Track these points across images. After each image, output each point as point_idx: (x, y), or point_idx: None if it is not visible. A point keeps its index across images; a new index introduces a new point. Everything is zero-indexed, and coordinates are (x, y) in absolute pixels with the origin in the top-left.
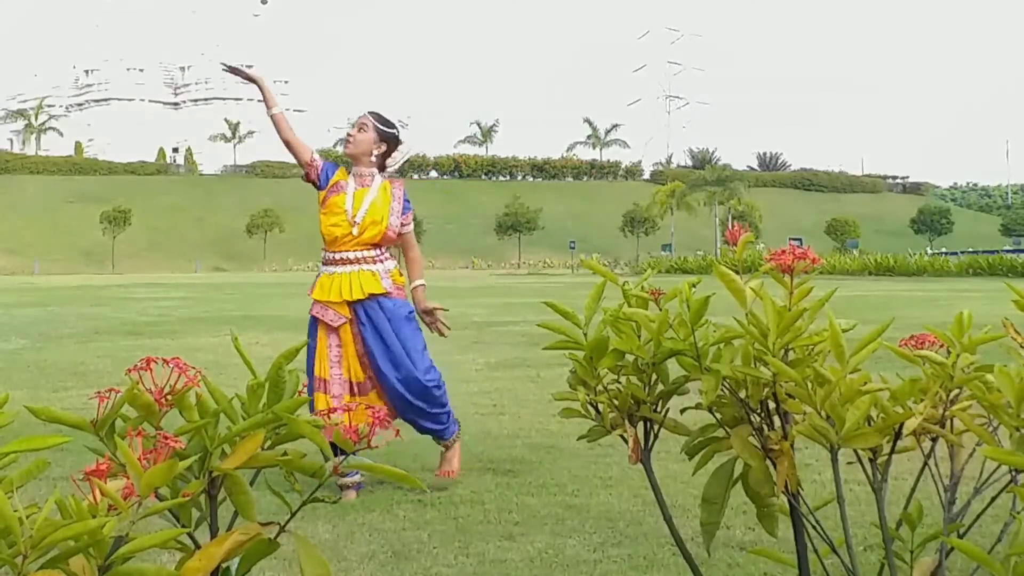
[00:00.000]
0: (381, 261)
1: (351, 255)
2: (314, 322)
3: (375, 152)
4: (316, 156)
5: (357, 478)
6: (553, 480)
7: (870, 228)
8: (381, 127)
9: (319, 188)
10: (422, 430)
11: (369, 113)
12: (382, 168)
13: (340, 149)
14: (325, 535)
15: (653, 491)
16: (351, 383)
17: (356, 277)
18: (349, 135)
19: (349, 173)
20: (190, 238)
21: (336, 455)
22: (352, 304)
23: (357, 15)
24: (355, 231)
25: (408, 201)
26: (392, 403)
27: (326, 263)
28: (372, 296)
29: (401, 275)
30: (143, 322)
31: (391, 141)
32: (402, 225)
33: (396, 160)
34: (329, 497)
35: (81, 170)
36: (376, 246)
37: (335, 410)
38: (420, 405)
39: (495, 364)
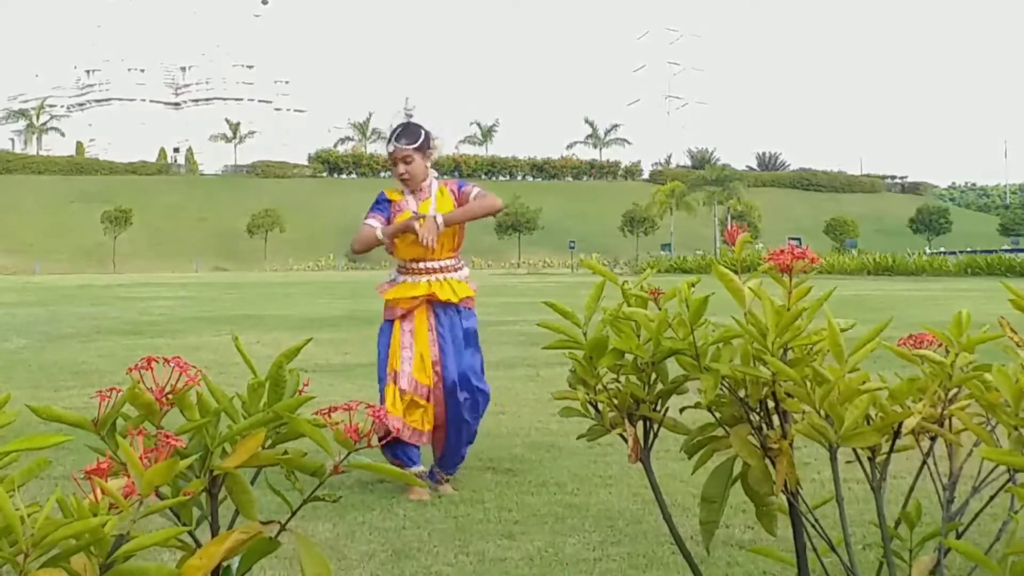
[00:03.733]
0: (459, 269)
1: (433, 264)
2: (388, 324)
3: (428, 164)
4: (372, 221)
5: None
6: (553, 479)
7: (869, 228)
8: (417, 145)
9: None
10: (447, 450)
11: (400, 143)
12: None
13: (341, 150)
14: (326, 534)
15: (652, 490)
16: (418, 384)
17: (447, 284)
18: (401, 175)
19: (402, 193)
20: (191, 238)
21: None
22: (435, 306)
23: (357, 15)
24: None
25: (462, 182)
26: (444, 410)
27: (405, 272)
28: (452, 304)
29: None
30: (144, 321)
31: (428, 144)
32: (462, 199)
33: (439, 148)
34: (330, 496)
35: (82, 170)
36: (455, 254)
37: (335, 409)
38: (469, 421)
39: (495, 363)
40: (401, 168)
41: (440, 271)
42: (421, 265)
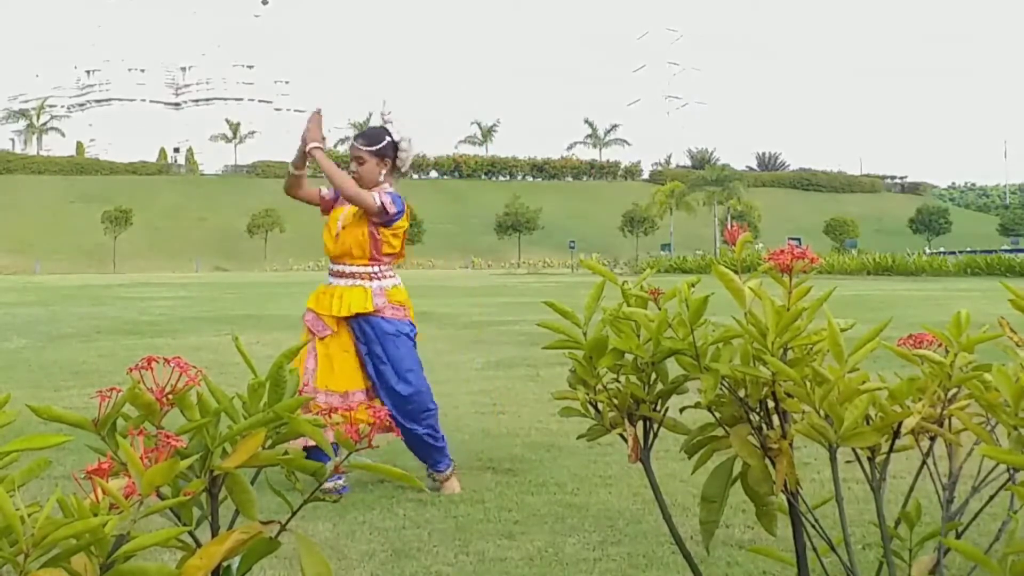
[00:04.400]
0: (378, 278)
1: (347, 268)
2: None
3: (383, 172)
4: (324, 190)
5: (340, 482)
6: (553, 479)
7: (869, 228)
8: (373, 149)
9: (331, 209)
10: (418, 455)
11: (356, 142)
12: (398, 171)
13: (340, 150)
14: (326, 533)
15: (652, 490)
16: (334, 393)
17: (348, 293)
18: (352, 172)
19: None
20: (191, 238)
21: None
22: (347, 320)
23: (357, 15)
24: (336, 240)
25: (392, 196)
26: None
27: (329, 274)
28: (360, 315)
29: (401, 293)
30: (144, 321)
31: (389, 152)
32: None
33: (405, 160)
34: (330, 496)
35: (82, 170)
36: (374, 261)
37: (336, 410)
38: (410, 427)
39: (495, 363)
40: (353, 166)
41: (351, 276)
42: (337, 268)
